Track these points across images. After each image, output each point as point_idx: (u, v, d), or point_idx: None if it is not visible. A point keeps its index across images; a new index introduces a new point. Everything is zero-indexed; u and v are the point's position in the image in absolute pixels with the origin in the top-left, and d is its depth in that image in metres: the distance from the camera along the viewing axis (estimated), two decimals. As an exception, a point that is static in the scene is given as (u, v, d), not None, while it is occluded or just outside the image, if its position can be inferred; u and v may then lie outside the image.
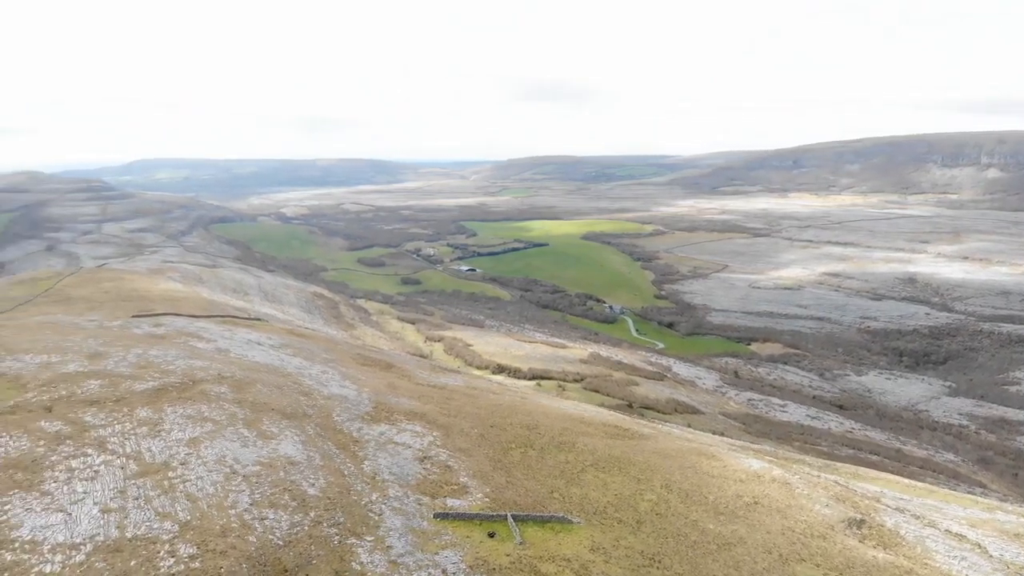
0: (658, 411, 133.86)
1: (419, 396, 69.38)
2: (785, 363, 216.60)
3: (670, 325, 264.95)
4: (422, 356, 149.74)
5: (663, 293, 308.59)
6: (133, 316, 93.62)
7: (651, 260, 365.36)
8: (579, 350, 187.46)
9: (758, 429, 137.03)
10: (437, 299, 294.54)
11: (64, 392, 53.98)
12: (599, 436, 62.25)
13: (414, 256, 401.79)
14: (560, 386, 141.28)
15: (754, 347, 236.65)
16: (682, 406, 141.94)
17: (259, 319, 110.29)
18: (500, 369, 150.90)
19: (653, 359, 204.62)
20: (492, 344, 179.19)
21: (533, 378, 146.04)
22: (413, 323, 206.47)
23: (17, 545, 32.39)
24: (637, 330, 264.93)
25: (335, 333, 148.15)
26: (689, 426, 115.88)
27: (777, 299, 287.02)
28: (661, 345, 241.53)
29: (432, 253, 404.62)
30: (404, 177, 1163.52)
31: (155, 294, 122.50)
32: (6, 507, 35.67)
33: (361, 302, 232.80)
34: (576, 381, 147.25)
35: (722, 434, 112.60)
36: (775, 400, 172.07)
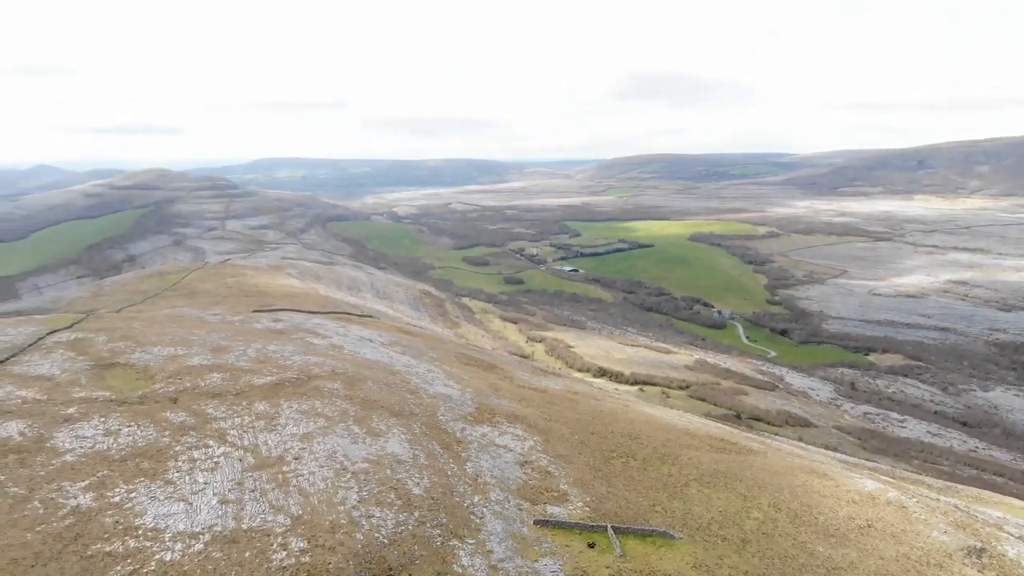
0: (768, 423, 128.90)
1: (520, 399, 69.46)
2: (905, 375, 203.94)
3: (783, 332, 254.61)
4: (523, 356, 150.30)
5: (776, 298, 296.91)
6: (254, 311, 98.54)
7: (764, 263, 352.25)
8: (685, 356, 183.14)
9: (874, 445, 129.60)
10: (539, 299, 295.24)
11: (189, 384, 57.29)
12: (704, 449, 60.30)
13: (517, 256, 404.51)
14: (664, 393, 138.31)
15: (872, 357, 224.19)
16: (794, 418, 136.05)
17: (371, 316, 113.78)
18: (601, 372, 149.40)
19: (764, 368, 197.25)
20: (594, 346, 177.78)
21: (635, 383, 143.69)
22: (515, 323, 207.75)
23: (141, 532, 34.46)
24: (748, 337, 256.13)
25: (440, 331, 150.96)
26: (800, 440, 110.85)
27: (898, 307, 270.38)
28: (773, 353, 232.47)
29: (535, 253, 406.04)
30: (509, 177, 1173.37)
31: (274, 290, 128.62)
32: (132, 495, 38.07)
33: (465, 300, 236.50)
34: (681, 388, 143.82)
35: (835, 449, 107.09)
36: (893, 415, 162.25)
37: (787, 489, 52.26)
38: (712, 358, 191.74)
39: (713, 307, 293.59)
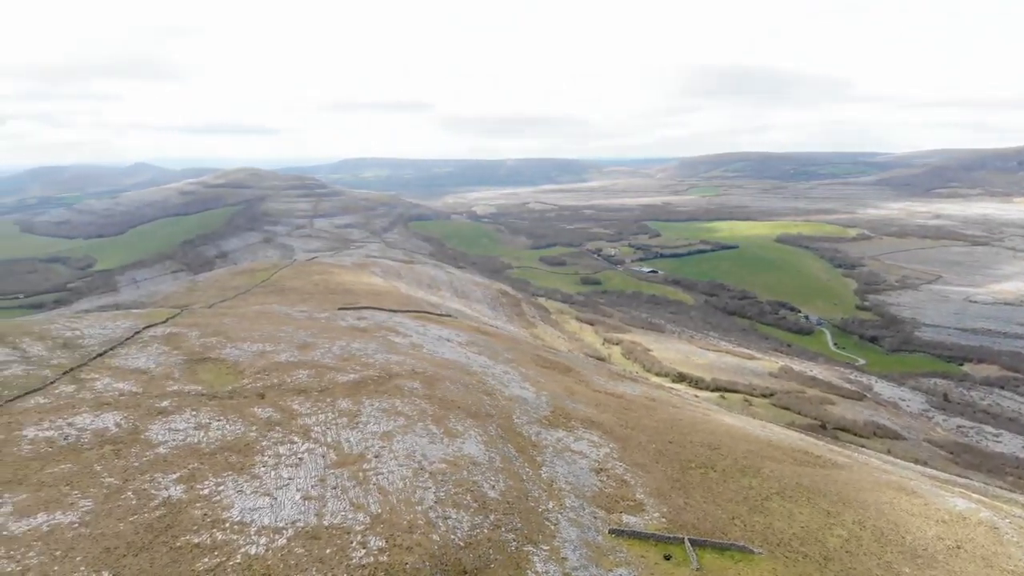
0: (855, 434, 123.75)
1: (596, 404, 68.72)
2: (1002, 387, 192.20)
3: (873, 339, 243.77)
4: (599, 359, 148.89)
5: (866, 304, 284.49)
6: (339, 308, 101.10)
7: (854, 267, 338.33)
8: (768, 362, 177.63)
9: (967, 460, 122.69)
10: (616, 300, 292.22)
11: (276, 380, 59.14)
12: (787, 462, 58.27)
13: (595, 256, 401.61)
14: (746, 400, 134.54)
15: (967, 368, 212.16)
16: (882, 430, 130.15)
17: (449, 315, 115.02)
18: (681, 378, 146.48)
19: (852, 376, 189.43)
20: (673, 350, 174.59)
21: (716, 389, 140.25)
22: (592, 324, 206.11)
23: (227, 525, 35.66)
24: (835, 343, 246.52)
25: (516, 331, 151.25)
26: (888, 452, 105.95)
27: (996, 315, 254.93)
28: (862, 361, 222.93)
29: (613, 253, 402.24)
30: (588, 176, 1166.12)
31: (358, 288, 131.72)
32: (220, 488, 39.48)
33: (541, 300, 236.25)
34: (764, 396, 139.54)
35: (925, 464, 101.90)
36: (988, 428, 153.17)
37: (873, 506, 50.17)
38: (798, 365, 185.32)
39: (800, 312, 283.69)
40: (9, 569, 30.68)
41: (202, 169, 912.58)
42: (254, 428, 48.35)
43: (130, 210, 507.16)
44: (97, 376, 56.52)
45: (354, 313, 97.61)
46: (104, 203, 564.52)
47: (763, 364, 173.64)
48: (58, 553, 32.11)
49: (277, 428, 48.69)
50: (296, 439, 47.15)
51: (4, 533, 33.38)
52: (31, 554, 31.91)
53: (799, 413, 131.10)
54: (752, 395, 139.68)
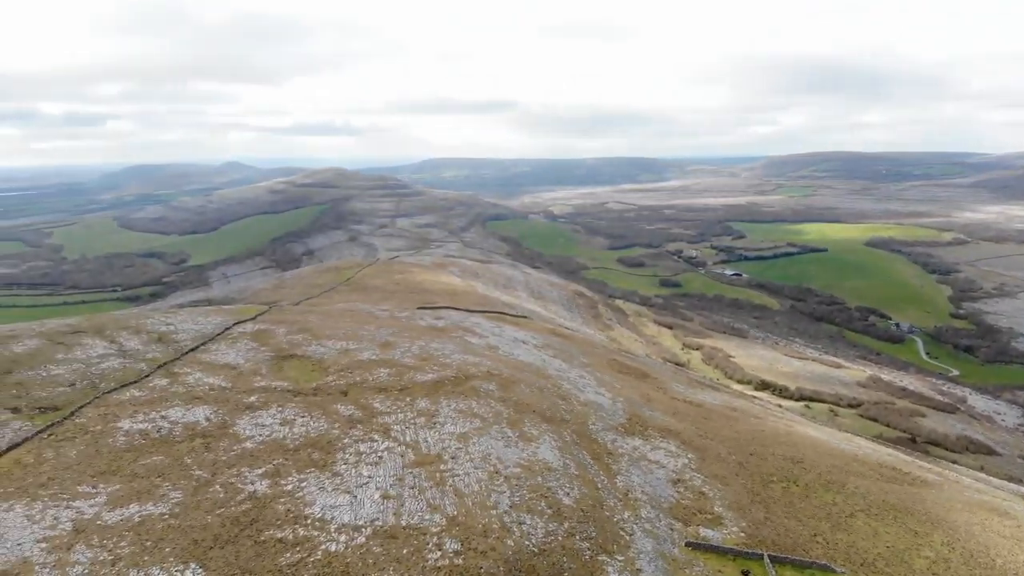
0: (946, 448, 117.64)
1: (674, 412, 67.43)
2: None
3: (968, 349, 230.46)
4: (678, 364, 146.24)
5: (961, 312, 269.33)
6: (418, 308, 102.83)
7: (948, 273, 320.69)
8: (856, 371, 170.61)
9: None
10: (697, 304, 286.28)
11: (358, 378, 60.54)
12: (873, 478, 55.83)
13: (675, 257, 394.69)
14: (832, 411, 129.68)
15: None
16: (975, 445, 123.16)
17: (524, 316, 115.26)
18: (764, 386, 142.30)
19: (944, 387, 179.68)
20: (756, 357, 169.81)
21: (801, 399, 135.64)
22: (671, 328, 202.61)
23: (309, 522, 36.65)
24: (927, 353, 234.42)
25: (592, 333, 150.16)
26: (982, 469, 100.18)
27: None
28: (955, 372, 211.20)
29: (694, 255, 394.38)
30: (669, 175, 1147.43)
31: (437, 287, 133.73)
32: (303, 484, 40.63)
33: (619, 302, 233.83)
34: (851, 407, 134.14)
35: (1020, 482, 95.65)
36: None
37: (963, 527, 47.72)
38: (887, 375, 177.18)
39: (890, 319, 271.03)
40: (102, 558, 32.34)
41: (291, 168, 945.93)
42: (336, 425, 49.58)
43: (222, 208, 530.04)
44: (189, 370, 59.23)
45: (432, 313, 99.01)
46: (198, 201, 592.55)
47: (850, 373, 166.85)
48: (148, 543, 33.71)
49: (358, 426, 49.79)
50: (376, 437, 48.08)
51: (98, 523, 35.28)
52: (123, 544, 33.59)
53: (887, 425, 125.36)
54: (838, 405, 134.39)
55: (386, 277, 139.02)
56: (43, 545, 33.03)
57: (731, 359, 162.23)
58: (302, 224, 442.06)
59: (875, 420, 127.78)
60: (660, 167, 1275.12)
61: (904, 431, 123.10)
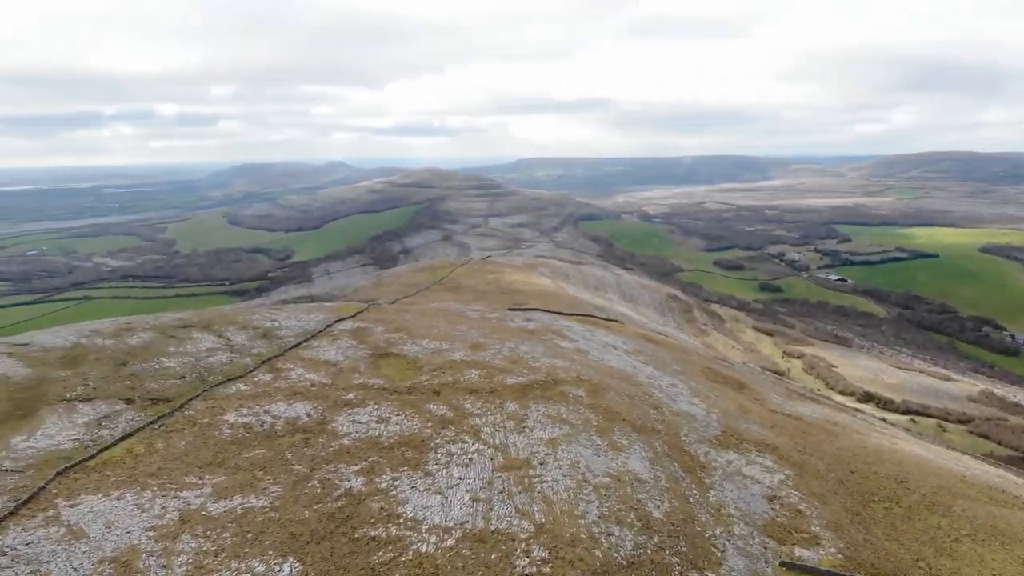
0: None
1: (772, 425, 65.19)
2: None
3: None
4: (777, 373, 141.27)
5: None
6: (509, 309, 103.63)
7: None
8: (967, 384, 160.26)
9: None
10: (799, 310, 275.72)
11: (450, 378, 61.59)
12: (981, 500, 52.32)
13: (776, 260, 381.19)
14: (939, 426, 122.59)
15: None
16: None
17: (615, 320, 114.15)
18: (868, 397, 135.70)
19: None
20: (860, 367, 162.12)
21: (907, 412, 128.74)
22: (770, 335, 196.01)
23: (401, 521, 37.52)
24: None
25: (686, 339, 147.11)
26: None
27: None
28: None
29: (797, 258, 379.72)
30: (771, 174, 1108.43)
31: (527, 288, 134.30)
32: (396, 483, 41.66)
33: (715, 307, 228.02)
34: (961, 422, 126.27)
35: None
36: None
37: (1079, 558, 43.97)
38: (1000, 389, 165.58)
39: (1005, 330, 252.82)
40: (205, 548, 34.19)
41: (389, 168, 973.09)
42: (429, 425, 50.62)
43: (325, 206, 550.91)
44: (291, 366, 61.87)
45: (522, 314, 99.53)
46: (303, 199, 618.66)
47: (961, 386, 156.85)
48: (249, 535, 35.40)
49: (450, 426, 50.65)
50: (467, 439, 48.78)
51: (203, 513, 37.31)
52: (225, 535, 35.40)
53: (999, 443, 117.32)
54: (947, 420, 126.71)
55: (478, 277, 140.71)
56: (151, 533, 35.18)
57: (834, 369, 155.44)
58: (399, 223, 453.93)
59: (986, 437, 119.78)
60: (762, 166, 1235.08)
61: (1016, 449, 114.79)
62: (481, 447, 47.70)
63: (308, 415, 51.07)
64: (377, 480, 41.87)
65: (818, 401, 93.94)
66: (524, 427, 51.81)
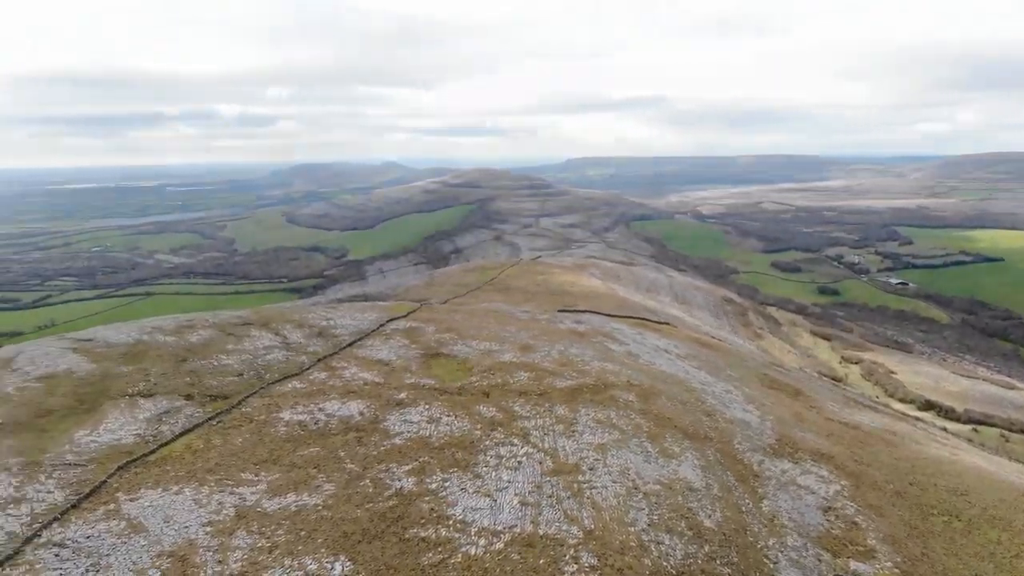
0: None
1: (828, 434, 63.58)
2: None
3: None
4: (835, 379, 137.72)
5: None
6: (559, 311, 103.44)
7: None
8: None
9: None
10: (857, 314, 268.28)
11: (499, 380, 61.72)
12: (1045, 515, 50.14)
13: (834, 263, 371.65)
14: (1003, 436, 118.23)
15: None
16: None
17: (667, 323, 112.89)
18: (928, 406, 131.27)
19: None
20: (921, 374, 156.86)
21: (968, 421, 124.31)
22: (827, 339, 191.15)
23: (451, 523, 37.71)
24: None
25: (741, 343, 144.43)
26: None
27: None
28: None
29: (856, 261, 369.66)
30: (830, 174, 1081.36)
31: (577, 289, 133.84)
32: (446, 484, 41.91)
33: (771, 310, 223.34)
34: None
35: None
36: None
37: None
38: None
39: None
40: (260, 544, 34.92)
41: (441, 168, 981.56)
42: (478, 426, 50.84)
43: (380, 206, 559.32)
44: (346, 365, 62.88)
45: (573, 316, 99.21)
46: (358, 199, 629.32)
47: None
48: (303, 533, 36.03)
49: (499, 429, 50.76)
50: (516, 442, 48.81)
51: (258, 510, 38.07)
52: (279, 532, 36.07)
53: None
54: (1010, 431, 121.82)
55: (528, 278, 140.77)
56: (208, 528, 36.05)
57: (893, 375, 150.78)
58: (451, 223, 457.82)
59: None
60: (820, 165, 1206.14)
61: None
62: (530, 450, 47.65)
63: (361, 414, 51.78)
64: (427, 480, 42.19)
65: (876, 409, 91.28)
66: (573, 431, 51.59)
